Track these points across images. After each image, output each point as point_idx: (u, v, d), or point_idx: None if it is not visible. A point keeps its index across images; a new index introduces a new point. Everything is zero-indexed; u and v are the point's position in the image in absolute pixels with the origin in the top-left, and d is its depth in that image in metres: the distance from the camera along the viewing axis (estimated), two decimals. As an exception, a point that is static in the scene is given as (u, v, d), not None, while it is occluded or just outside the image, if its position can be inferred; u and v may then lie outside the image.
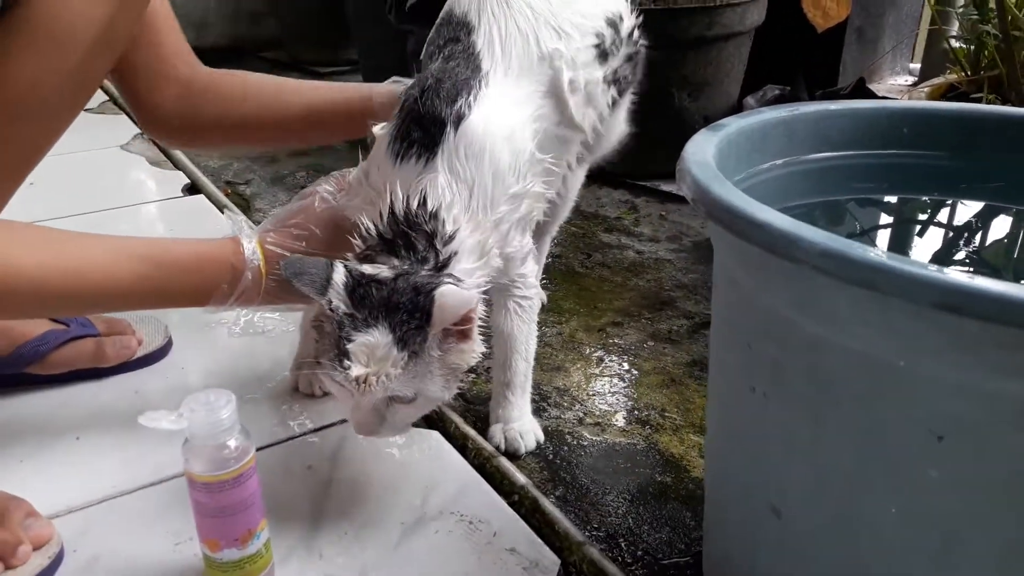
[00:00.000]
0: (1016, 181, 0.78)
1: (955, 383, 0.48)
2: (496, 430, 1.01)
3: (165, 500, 0.89)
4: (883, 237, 0.81)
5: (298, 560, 0.80)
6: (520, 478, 0.92)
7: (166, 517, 0.86)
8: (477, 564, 0.80)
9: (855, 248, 0.47)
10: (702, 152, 0.65)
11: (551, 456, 1.00)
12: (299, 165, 2.08)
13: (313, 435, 0.99)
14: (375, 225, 0.82)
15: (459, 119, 0.83)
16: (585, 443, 1.03)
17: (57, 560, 0.80)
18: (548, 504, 0.88)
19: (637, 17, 1.02)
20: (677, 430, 1.05)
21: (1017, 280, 0.71)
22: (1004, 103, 1.36)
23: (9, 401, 1.05)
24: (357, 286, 0.77)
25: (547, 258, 1.36)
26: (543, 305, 1.28)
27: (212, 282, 0.86)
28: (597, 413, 1.09)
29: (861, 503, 0.55)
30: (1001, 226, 0.81)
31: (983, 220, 0.80)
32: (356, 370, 0.74)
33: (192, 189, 1.84)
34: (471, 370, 1.16)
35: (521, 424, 1.01)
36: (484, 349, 0.83)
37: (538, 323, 1.01)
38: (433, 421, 1.03)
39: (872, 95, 1.76)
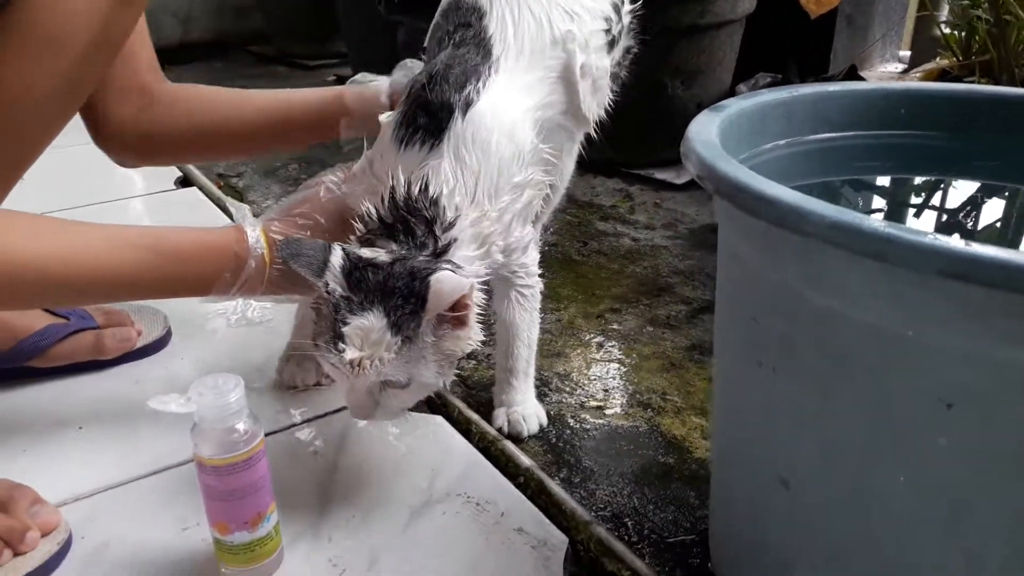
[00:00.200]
0: (1012, 161, 0.79)
1: (963, 352, 0.49)
2: (499, 413, 1.01)
3: (171, 487, 0.89)
4: (883, 216, 0.82)
5: (306, 544, 0.81)
6: (525, 460, 0.93)
7: (172, 503, 0.86)
8: (485, 544, 0.81)
9: (864, 220, 0.48)
10: (706, 132, 0.66)
11: (554, 439, 1.01)
12: (291, 157, 2.08)
13: (316, 422, 0.99)
14: (376, 209, 0.82)
15: (468, 105, 0.83)
16: (588, 426, 1.04)
17: (66, 546, 0.80)
18: (554, 485, 0.89)
19: (633, 2, 1.03)
20: (679, 412, 1.06)
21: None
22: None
23: (10, 394, 1.05)
24: (354, 269, 0.77)
25: (543, 246, 1.37)
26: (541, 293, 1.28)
27: (215, 271, 0.86)
28: (599, 397, 1.10)
29: (870, 473, 0.56)
30: (998, 205, 0.83)
31: (980, 199, 0.81)
32: (350, 353, 0.74)
33: (184, 182, 1.84)
34: (471, 356, 1.17)
35: (524, 408, 1.02)
36: (481, 337, 0.83)
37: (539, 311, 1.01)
38: (436, 406, 1.04)
39: (863, 82, 1.78)
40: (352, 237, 0.83)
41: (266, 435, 0.88)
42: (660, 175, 1.81)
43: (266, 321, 1.22)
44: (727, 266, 0.68)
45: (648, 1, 1.05)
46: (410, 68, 1.03)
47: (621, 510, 0.89)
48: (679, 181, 1.79)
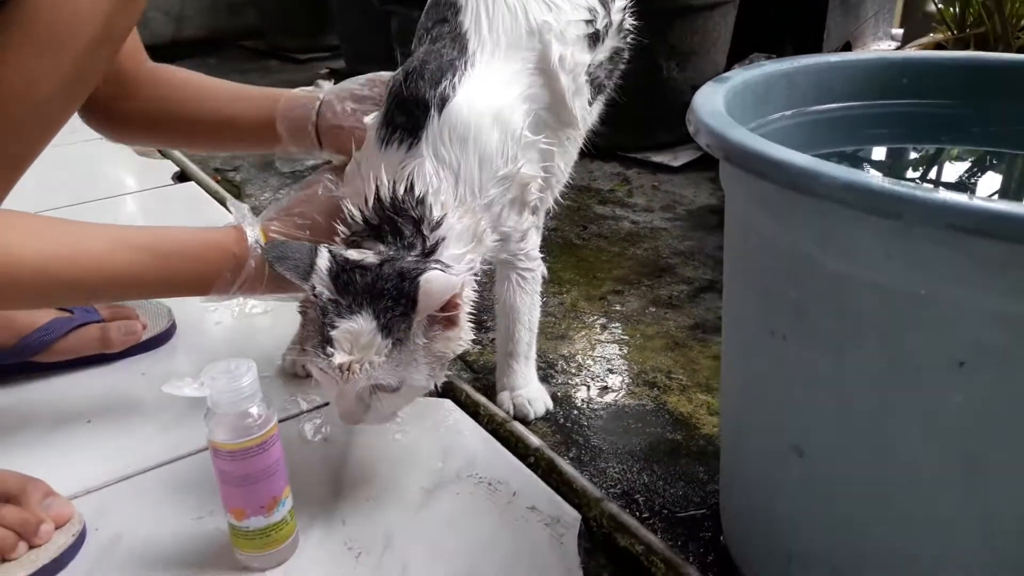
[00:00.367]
0: (1014, 128, 0.80)
1: (978, 308, 0.49)
2: (504, 397, 1.01)
3: (182, 477, 0.89)
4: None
5: (321, 528, 0.81)
6: (534, 440, 0.93)
7: (184, 493, 0.86)
8: (499, 523, 0.81)
9: (877, 179, 0.48)
10: (712, 102, 0.66)
11: (562, 420, 1.01)
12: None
13: (324, 409, 0.99)
14: (360, 211, 0.81)
15: (443, 101, 0.82)
16: (594, 406, 1.04)
17: (80, 538, 0.80)
18: (564, 464, 0.89)
19: None
20: (684, 390, 1.06)
21: None
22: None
23: (17, 388, 1.04)
24: (341, 272, 0.75)
25: (544, 231, 1.37)
26: (544, 278, 1.28)
27: (214, 271, 0.85)
28: (604, 377, 1.10)
29: (886, 436, 0.57)
30: (997, 174, 0.83)
31: (984, 165, 0.82)
32: (339, 358, 0.72)
33: (182, 177, 1.83)
34: (477, 341, 1.17)
35: (528, 391, 1.02)
36: (472, 336, 0.81)
37: (540, 294, 1.01)
38: (444, 391, 1.04)
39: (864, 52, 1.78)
40: (337, 239, 0.82)
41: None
42: (657, 158, 1.82)
43: (270, 311, 1.22)
44: (736, 237, 0.68)
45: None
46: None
47: (631, 487, 0.90)
48: (676, 163, 1.79)
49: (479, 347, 1.17)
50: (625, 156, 1.85)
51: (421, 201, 0.80)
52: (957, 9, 1.46)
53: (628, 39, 1.01)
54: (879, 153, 0.85)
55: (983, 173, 0.82)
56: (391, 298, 0.73)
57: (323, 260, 0.76)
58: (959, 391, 0.52)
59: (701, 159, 1.82)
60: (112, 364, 1.09)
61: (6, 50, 0.75)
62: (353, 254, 0.77)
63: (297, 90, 1.04)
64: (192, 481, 0.88)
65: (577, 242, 1.49)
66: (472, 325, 0.82)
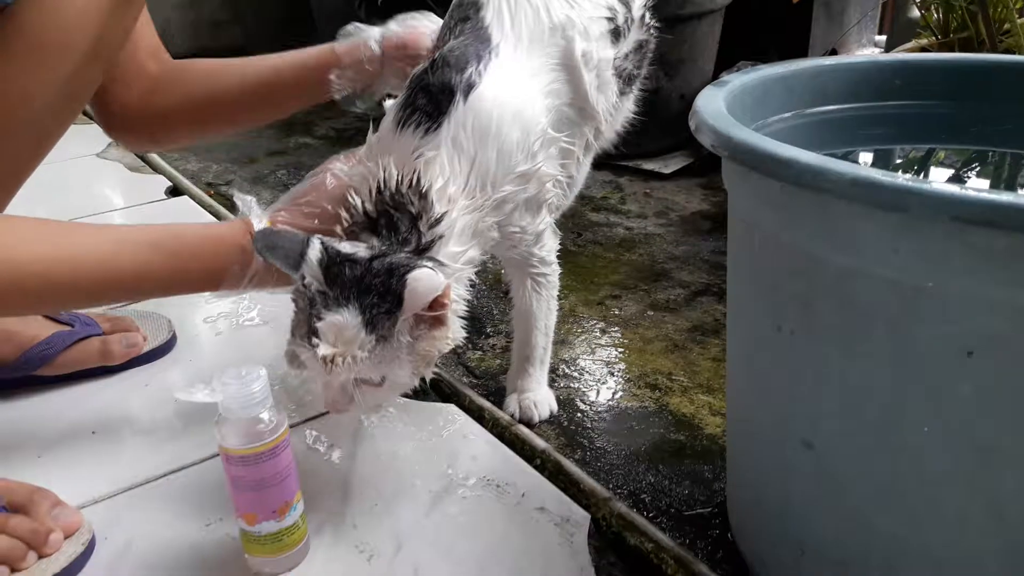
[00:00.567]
0: (1008, 126, 0.81)
1: (985, 299, 0.51)
2: (511, 400, 1.02)
3: (190, 485, 0.89)
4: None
5: (331, 531, 0.81)
6: (540, 443, 0.94)
7: (193, 501, 0.86)
8: (509, 524, 0.81)
9: (884, 174, 0.50)
10: (714, 104, 0.67)
11: (566, 423, 1.02)
12: (278, 164, 2.08)
13: (327, 417, 0.99)
14: (363, 201, 0.81)
15: (469, 87, 0.81)
16: (598, 409, 1.05)
17: (90, 547, 0.80)
18: (571, 465, 0.90)
19: None
20: (686, 391, 1.07)
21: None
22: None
23: (20, 402, 1.04)
24: (332, 264, 0.75)
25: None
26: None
27: (223, 265, 0.85)
28: (606, 380, 1.11)
29: (894, 427, 0.58)
30: (993, 168, 0.85)
31: (978, 164, 0.84)
32: (323, 350, 0.72)
33: (174, 192, 1.83)
34: (476, 347, 1.18)
35: (536, 394, 1.02)
36: (462, 335, 0.81)
37: (556, 299, 1.01)
38: (447, 395, 1.05)
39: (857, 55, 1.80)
40: (338, 229, 0.82)
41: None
42: (648, 165, 1.83)
43: (269, 322, 1.22)
44: (739, 235, 0.70)
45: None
46: (360, 31, 1.02)
47: (638, 487, 0.91)
48: (667, 171, 1.81)
49: (480, 353, 1.17)
50: (616, 164, 1.87)
51: (423, 195, 0.79)
52: (940, 14, 1.49)
53: (652, 32, 1.03)
54: (866, 156, 0.87)
55: (974, 171, 0.84)
56: (378, 294, 0.73)
57: (314, 251, 0.76)
58: (967, 381, 0.53)
59: (692, 166, 1.84)
60: (113, 376, 1.09)
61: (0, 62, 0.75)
62: (346, 247, 0.77)
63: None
64: (199, 490, 0.88)
65: (573, 248, 1.50)
66: (465, 324, 0.82)
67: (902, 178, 0.49)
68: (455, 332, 0.80)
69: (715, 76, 1.89)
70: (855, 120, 0.81)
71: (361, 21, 1.07)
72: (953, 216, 0.47)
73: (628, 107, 1.06)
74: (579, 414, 1.04)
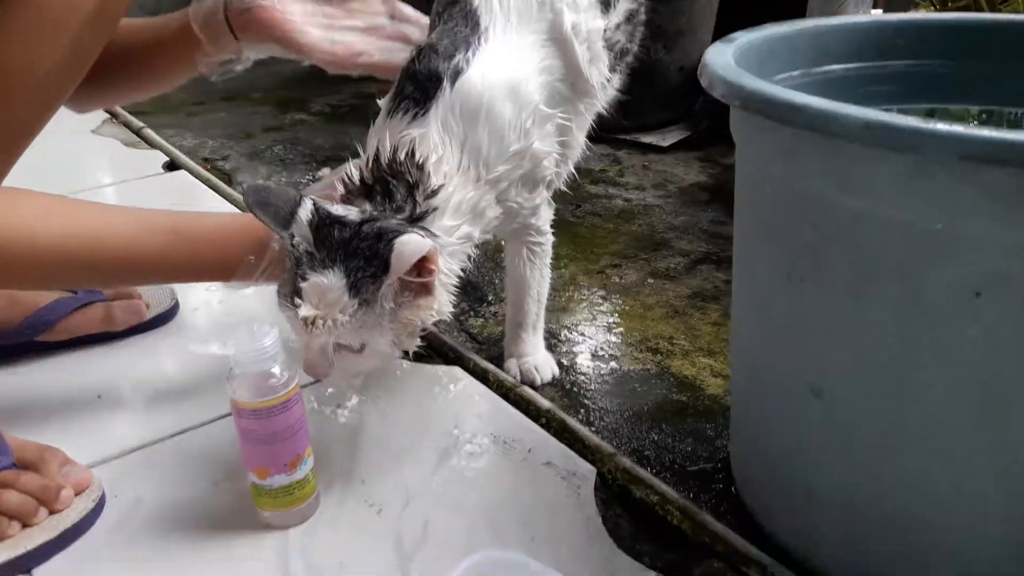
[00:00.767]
0: (1009, 85, 0.82)
1: (993, 239, 0.52)
2: (511, 364, 1.03)
3: (197, 446, 0.89)
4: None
5: (340, 487, 0.82)
6: (545, 403, 0.95)
7: (201, 461, 0.87)
8: (516, 478, 0.82)
9: (896, 116, 0.51)
10: (723, 58, 0.68)
11: (568, 386, 1.03)
12: (274, 140, 2.07)
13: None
14: (359, 171, 0.81)
15: (456, 74, 0.81)
16: (600, 371, 1.06)
17: (100, 503, 0.80)
18: (575, 423, 0.91)
19: None
20: (687, 354, 1.08)
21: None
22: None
23: (24, 368, 1.04)
24: (322, 225, 0.75)
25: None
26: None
27: (239, 254, 0.85)
28: (608, 345, 1.12)
29: (903, 370, 0.59)
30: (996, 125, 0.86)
31: (979, 121, 0.84)
32: (304, 310, 0.72)
33: (172, 166, 1.83)
34: (479, 314, 1.19)
35: (535, 358, 1.03)
36: (449, 308, 0.81)
37: (549, 267, 1.01)
38: (451, 359, 1.05)
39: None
40: (333, 196, 0.81)
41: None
42: (646, 139, 1.84)
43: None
44: (748, 186, 0.70)
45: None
46: None
47: (641, 444, 0.92)
48: (665, 144, 1.82)
49: (481, 320, 1.18)
50: (614, 138, 1.87)
51: (420, 167, 0.79)
52: (938, -15, 1.50)
53: (642, 1, 1.02)
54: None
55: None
56: (365, 258, 0.73)
57: (305, 211, 0.76)
58: (975, 323, 0.54)
59: (689, 139, 1.85)
60: (117, 343, 1.09)
61: (4, 30, 0.75)
62: (338, 209, 0.76)
63: None
64: (208, 450, 0.88)
65: (572, 220, 1.51)
66: (457, 293, 0.82)
67: (913, 119, 0.50)
68: (441, 305, 0.79)
69: (712, 50, 1.90)
70: (859, 79, 0.82)
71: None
72: (963, 155, 0.48)
73: (614, 86, 1.05)
74: (582, 377, 1.05)
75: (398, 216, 0.78)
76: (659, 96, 1.82)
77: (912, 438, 0.61)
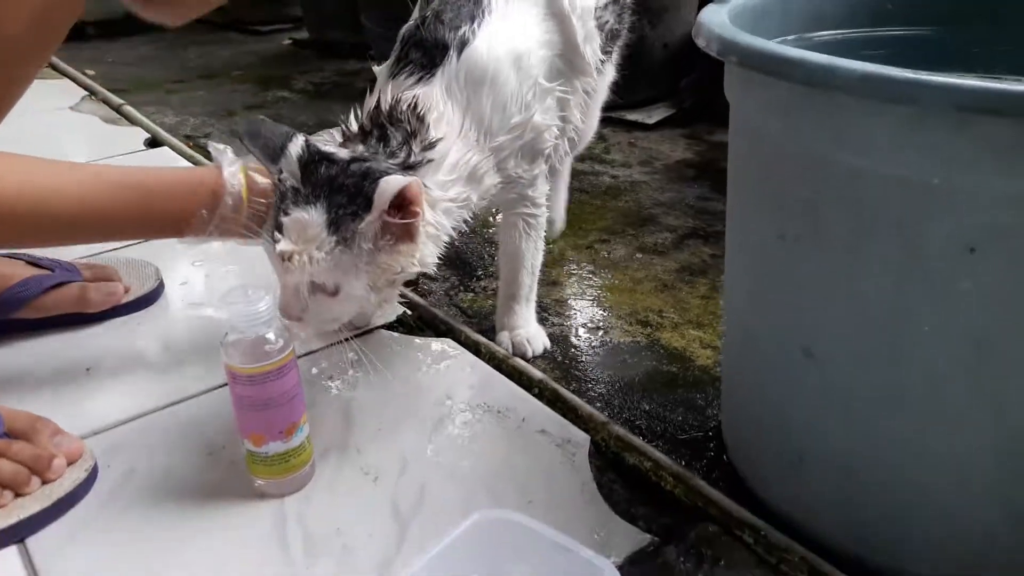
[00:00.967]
0: (1002, 53, 0.83)
1: (988, 192, 0.52)
2: (503, 336, 1.03)
3: (190, 417, 0.89)
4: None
5: (336, 455, 0.82)
6: (537, 374, 0.95)
7: (194, 431, 0.86)
8: (511, 445, 0.83)
9: (893, 69, 0.51)
10: (718, 17, 0.68)
11: (560, 358, 1.03)
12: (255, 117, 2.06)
13: (330, 349, 1.00)
14: (357, 119, 0.81)
15: (463, 44, 0.83)
16: (591, 344, 1.06)
17: (93, 473, 0.80)
18: (568, 393, 0.91)
19: None
20: (676, 327, 1.09)
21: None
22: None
23: (7, 344, 1.02)
24: (311, 161, 0.75)
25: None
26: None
27: (192, 208, 0.84)
28: (597, 318, 1.12)
29: (897, 329, 0.59)
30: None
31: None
32: (282, 245, 0.72)
33: (154, 143, 1.81)
34: (468, 288, 1.19)
35: (526, 330, 1.03)
36: (430, 260, 0.79)
37: (543, 239, 1.02)
38: (443, 332, 1.05)
39: None
40: (336, 135, 0.82)
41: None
42: (631, 116, 1.84)
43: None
44: (742, 145, 0.71)
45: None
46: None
47: (633, 414, 0.92)
48: (651, 121, 1.82)
49: (471, 294, 1.18)
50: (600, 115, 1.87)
51: (420, 119, 0.80)
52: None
53: None
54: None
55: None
56: (348, 195, 0.73)
57: (296, 146, 0.76)
58: (969, 278, 0.55)
59: (675, 116, 1.85)
60: (104, 323, 1.07)
61: None
62: (329, 147, 0.77)
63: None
64: (201, 421, 0.88)
65: (559, 196, 1.50)
66: (442, 255, 0.81)
67: (910, 72, 0.50)
68: (424, 256, 0.78)
69: (697, 28, 1.90)
70: (852, 44, 0.82)
71: None
72: (960, 106, 0.49)
73: (610, 73, 1.06)
74: (573, 349, 1.05)
75: (391, 161, 0.77)
76: (644, 73, 1.81)
77: (905, 398, 0.61)
